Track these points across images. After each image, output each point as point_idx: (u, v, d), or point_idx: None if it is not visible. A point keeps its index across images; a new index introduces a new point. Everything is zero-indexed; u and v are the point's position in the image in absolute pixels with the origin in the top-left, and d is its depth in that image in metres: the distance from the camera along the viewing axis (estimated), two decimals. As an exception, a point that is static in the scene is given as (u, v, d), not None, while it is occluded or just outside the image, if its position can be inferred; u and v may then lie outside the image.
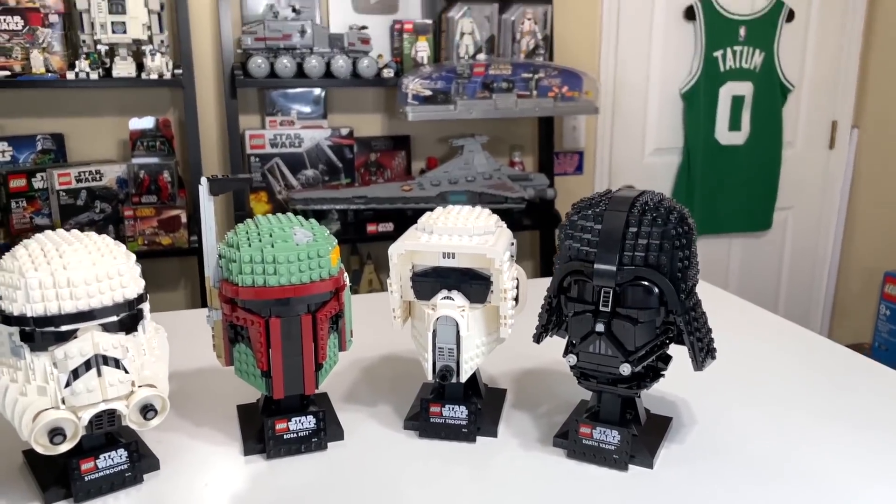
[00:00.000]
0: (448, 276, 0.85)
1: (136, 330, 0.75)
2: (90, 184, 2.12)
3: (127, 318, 0.74)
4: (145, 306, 0.77)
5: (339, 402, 0.97)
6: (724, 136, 2.75)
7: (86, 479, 0.75)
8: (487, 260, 0.83)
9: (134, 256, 0.78)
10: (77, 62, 2.02)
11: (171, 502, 0.77)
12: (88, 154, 2.24)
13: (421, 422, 0.89)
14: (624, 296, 0.78)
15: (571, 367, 0.83)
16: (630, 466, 0.82)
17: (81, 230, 2.12)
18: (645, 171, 2.80)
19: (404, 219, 2.42)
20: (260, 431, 0.85)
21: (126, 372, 0.73)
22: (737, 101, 2.72)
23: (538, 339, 0.88)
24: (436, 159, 2.52)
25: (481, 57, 2.33)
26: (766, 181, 2.82)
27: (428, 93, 2.26)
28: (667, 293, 0.78)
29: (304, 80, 2.21)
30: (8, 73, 1.99)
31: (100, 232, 2.13)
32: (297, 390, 0.83)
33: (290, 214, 0.86)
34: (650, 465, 0.83)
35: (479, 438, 0.89)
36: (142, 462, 0.79)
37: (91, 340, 0.70)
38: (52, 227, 2.07)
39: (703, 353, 0.82)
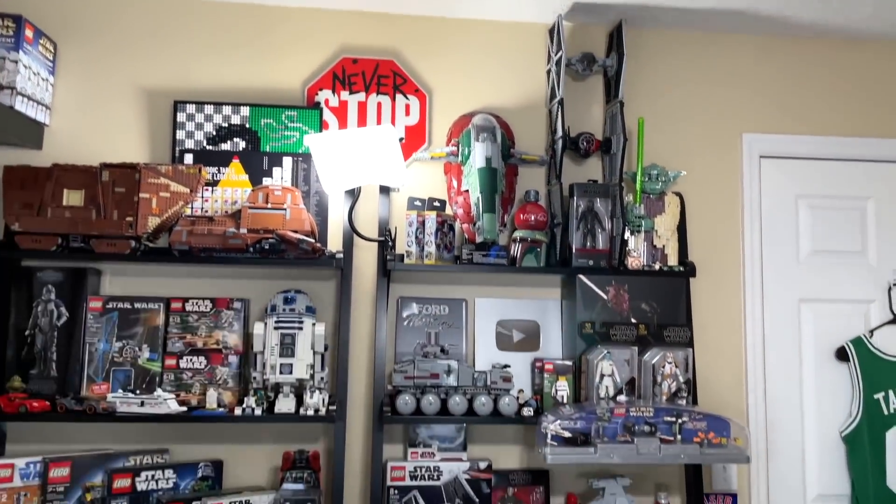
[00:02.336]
0: None
1: None
2: (238, 513, 2.21)
3: None
4: None
5: None
6: (899, 485, 2.50)
7: None
8: None
9: None
10: (245, 398, 2.23)
11: None
12: (242, 478, 2.38)
13: None
14: None
15: None
16: None
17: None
18: (809, 520, 2.55)
19: (541, 563, 2.31)
20: None
21: None
22: (908, 449, 2.51)
23: None
24: (576, 497, 2.44)
25: (622, 398, 2.34)
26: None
27: (567, 434, 2.26)
28: None
29: (448, 418, 2.30)
30: (185, 408, 2.22)
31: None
32: None
33: None
34: None
35: None
36: None
37: None
38: (198, 557, 2.15)
39: None
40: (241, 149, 2.43)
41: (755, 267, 2.61)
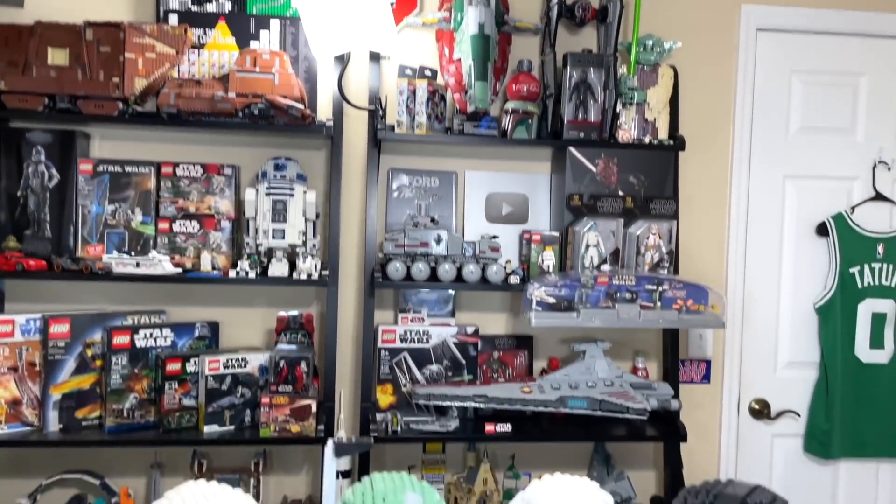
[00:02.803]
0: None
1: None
2: (235, 370, 2.30)
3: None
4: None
5: None
6: (866, 353, 2.61)
7: None
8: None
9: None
10: (239, 262, 2.28)
11: None
12: (238, 340, 2.47)
13: None
14: None
15: None
16: None
17: (222, 414, 2.26)
18: (778, 385, 2.69)
19: (523, 419, 2.44)
20: None
21: None
22: (878, 319, 2.61)
23: None
24: (558, 360, 2.55)
25: (605, 268, 2.40)
26: (917, 404, 2.63)
27: (552, 300, 2.34)
28: None
29: (437, 284, 2.36)
30: (180, 269, 2.28)
31: (237, 416, 2.27)
32: None
33: (403, 475, 0.92)
34: None
35: None
36: None
37: None
38: (198, 410, 2.26)
39: None
40: (226, 10, 2.37)
41: (744, 142, 2.63)
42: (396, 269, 2.34)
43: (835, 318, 2.61)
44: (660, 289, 2.36)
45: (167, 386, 2.25)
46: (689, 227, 2.61)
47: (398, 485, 0.89)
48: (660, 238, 2.44)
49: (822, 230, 2.65)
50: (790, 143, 2.67)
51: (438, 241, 2.38)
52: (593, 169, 2.47)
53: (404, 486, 0.89)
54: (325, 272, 2.32)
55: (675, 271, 2.46)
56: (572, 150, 2.44)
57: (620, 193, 2.47)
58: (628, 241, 2.44)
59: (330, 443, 0.88)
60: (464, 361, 2.48)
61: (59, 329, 2.22)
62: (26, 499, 2.27)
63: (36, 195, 2.27)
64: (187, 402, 2.28)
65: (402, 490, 0.88)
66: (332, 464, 0.89)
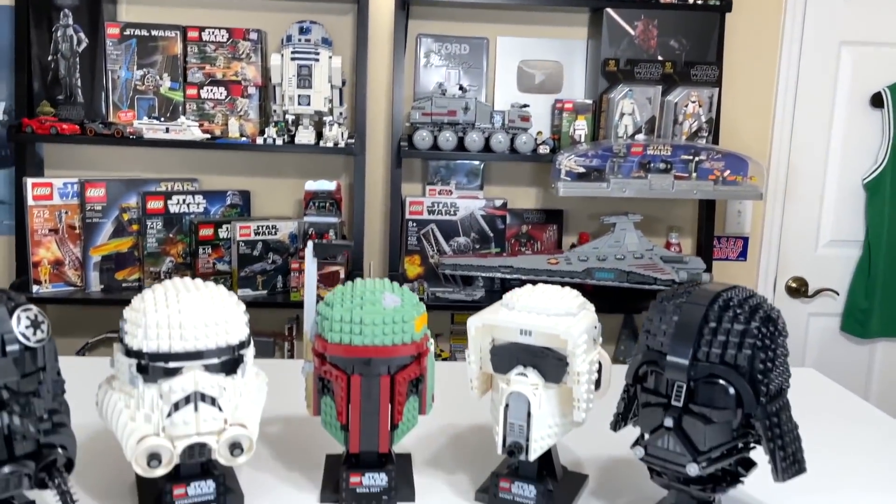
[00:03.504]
0: (524, 352, 0.86)
1: (235, 373, 0.84)
2: (266, 237, 2.35)
3: (228, 361, 0.83)
4: (247, 352, 0.86)
5: (420, 464, 1.01)
6: (914, 231, 2.50)
7: (176, 503, 0.84)
8: (562, 340, 0.83)
9: (244, 306, 0.88)
10: (267, 129, 2.28)
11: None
12: (269, 209, 2.50)
13: (490, 496, 0.90)
14: (697, 392, 0.76)
15: (640, 460, 0.80)
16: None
17: (255, 279, 2.30)
18: (818, 263, 2.60)
19: (551, 292, 2.43)
20: (338, 482, 0.90)
21: (220, 410, 0.82)
22: (930, 195, 2.48)
23: (615, 426, 0.86)
24: (588, 235, 2.51)
25: (640, 137, 2.32)
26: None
27: (581, 170, 2.29)
28: (743, 394, 0.74)
29: (464, 154, 2.33)
30: (209, 136, 2.29)
31: (269, 281, 2.32)
32: (372, 447, 0.88)
33: (385, 281, 0.93)
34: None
35: (548, 522, 0.88)
36: (228, 495, 0.87)
37: (193, 378, 0.80)
38: (231, 274, 2.33)
39: (785, 462, 0.76)
40: None
41: (798, 3, 2.45)
42: (423, 138, 2.31)
43: (884, 193, 2.48)
44: (696, 159, 2.27)
45: (201, 251, 2.32)
46: (733, 95, 2.48)
47: (378, 287, 0.89)
48: (700, 106, 2.33)
49: (876, 101, 2.48)
50: (849, 5, 2.47)
51: (466, 109, 2.32)
52: (632, 32, 2.35)
53: (384, 288, 0.89)
54: (352, 140, 2.31)
55: (715, 141, 2.36)
56: (610, 10, 2.32)
57: (660, 58, 2.35)
58: (666, 109, 2.34)
59: (310, 244, 0.88)
60: (491, 234, 2.47)
61: (96, 193, 2.28)
62: (75, 356, 2.41)
63: (66, 59, 2.29)
64: (221, 266, 2.34)
65: (382, 291, 0.88)
66: (313, 264, 0.90)
